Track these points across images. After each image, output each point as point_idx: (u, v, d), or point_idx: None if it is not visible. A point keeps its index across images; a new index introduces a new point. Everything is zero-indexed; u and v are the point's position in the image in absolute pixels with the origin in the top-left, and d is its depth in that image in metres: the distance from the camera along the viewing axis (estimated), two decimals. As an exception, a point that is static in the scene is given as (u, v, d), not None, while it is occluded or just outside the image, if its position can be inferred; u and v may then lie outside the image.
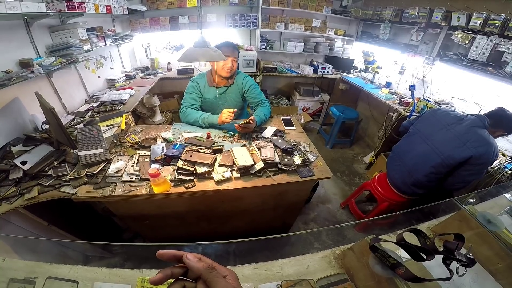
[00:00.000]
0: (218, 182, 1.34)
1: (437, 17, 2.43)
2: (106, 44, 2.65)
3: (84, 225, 1.88)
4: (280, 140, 1.61)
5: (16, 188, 1.30)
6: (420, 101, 2.56)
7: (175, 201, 1.49)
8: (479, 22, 2.05)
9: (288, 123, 1.96)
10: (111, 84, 2.96)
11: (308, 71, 3.80)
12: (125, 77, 3.14)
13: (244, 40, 3.88)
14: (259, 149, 1.51)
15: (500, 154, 1.83)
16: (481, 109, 2.28)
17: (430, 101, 2.63)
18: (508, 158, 1.85)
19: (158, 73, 3.42)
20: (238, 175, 1.39)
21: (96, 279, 0.85)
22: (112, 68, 3.12)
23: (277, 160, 1.43)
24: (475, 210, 0.93)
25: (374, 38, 3.66)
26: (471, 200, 1.27)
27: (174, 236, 1.94)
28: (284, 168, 1.41)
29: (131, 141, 1.66)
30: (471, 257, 0.71)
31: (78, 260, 1.05)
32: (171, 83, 3.62)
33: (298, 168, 1.43)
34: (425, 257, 0.68)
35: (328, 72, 3.81)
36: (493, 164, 1.76)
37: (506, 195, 1.22)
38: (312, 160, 1.52)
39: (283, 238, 1.02)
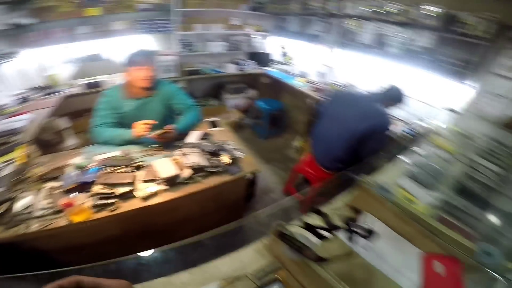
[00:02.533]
0: (145, 198, 1.27)
1: (333, 7, 2.72)
2: None
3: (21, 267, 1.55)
4: (206, 143, 1.60)
5: None
6: (332, 86, 2.88)
7: (105, 225, 1.35)
8: (368, 10, 2.41)
9: (213, 124, 1.97)
10: (-1, 112, 2.44)
11: (231, 69, 3.87)
12: (17, 101, 2.62)
13: (162, 44, 3.67)
14: (184, 155, 1.48)
15: (398, 122, 2.22)
16: (377, 87, 2.70)
17: (338, 84, 2.97)
18: (406, 124, 2.27)
19: (61, 91, 2.95)
20: (166, 187, 1.34)
21: None
22: (-2, 92, 2.57)
23: (203, 163, 1.43)
24: (373, 181, 1.00)
25: (286, 31, 3.91)
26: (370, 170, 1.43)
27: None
28: (213, 170, 1.42)
29: (38, 174, 1.44)
30: (368, 227, 0.78)
31: None
32: (80, 100, 3.14)
33: (226, 168, 1.46)
34: (327, 235, 0.75)
35: (248, 67, 3.94)
36: (396, 131, 2.10)
37: (402, 157, 1.43)
38: (241, 156, 1.56)
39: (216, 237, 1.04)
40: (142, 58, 1.67)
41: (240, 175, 1.46)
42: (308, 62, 3.63)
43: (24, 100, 2.68)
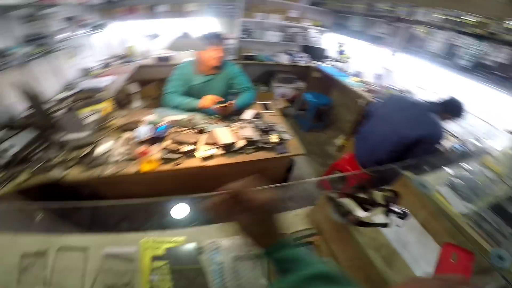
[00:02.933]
0: (203, 159, 1.47)
1: (403, 11, 2.64)
2: (81, 34, 2.62)
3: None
4: (258, 122, 1.76)
5: (4, 173, 1.30)
6: (386, 89, 2.82)
7: (162, 180, 1.58)
8: (440, 18, 2.29)
9: (266, 107, 2.12)
10: (87, 72, 2.91)
11: (284, 59, 3.97)
12: (102, 65, 3.10)
13: (225, 28, 3.90)
14: (240, 129, 1.65)
15: (451, 137, 2.14)
16: (436, 97, 2.58)
17: (394, 89, 2.90)
18: (458, 141, 2.17)
19: (135, 61, 3.39)
20: (222, 152, 1.53)
21: (105, 244, 0.89)
22: (88, 57, 3.05)
23: (256, 138, 1.59)
24: (412, 175, 1.07)
25: (347, 30, 3.84)
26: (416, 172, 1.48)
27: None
28: (262, 146, 1.57)
29: (117, 124, 1.72)
30: (404, 210, 0.88)
31: (86, 228, 1.08)
32: (150, 70, 3.59)
33: (275, 146, 1.61)
34: (369, 207, 0.86)
35: (303, 60, 4.00)
36: (446, 146, 2.04)
37: (447, 169, 1.45)
38: (287, 139, 1.69)
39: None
40: (216, 39, 1.88)
41: (285, 155, 1.59)
42: (365, 62, 3.56)
43: (106, 65, 3.15)
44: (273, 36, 3.97)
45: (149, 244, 0.89)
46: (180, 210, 1.16)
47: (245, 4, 3.58)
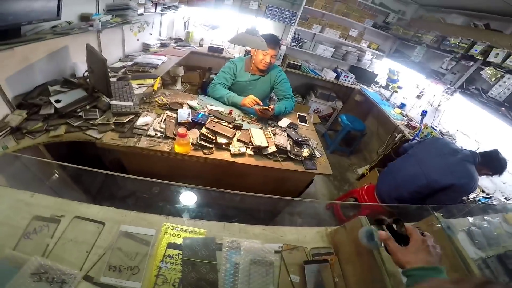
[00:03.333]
0: (234, 155, 1.52)
1: (476, 50, 2.44)
2: (155, 11, 2.81)
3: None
4: (293, 132, 1.79)
5: (43, 124, 1.34)
6: (427, 128, 2.70)
7: (189, 165, 1.63)
8: None
9: (302, 119, 2.14)
10: (146, 48, 3.11)
11: (330, 76, 3.93)
12: (159, 44, 3.30)
13: (277, 33, 3.96)
14: (274, 135, 1.69)
15: (478, 189, 2.02)
16: (479, 147, 2.44)
17: (436, 129, 2.77)
18: (485, 194, 2.04)
19: (190, 46, 3.57)
20: (252, 153, 1.57)
21: (123, 221, 0.87)
22: (151, 34, 3.26)
23: (288, 148, 1.61)
24: (440, 217, 1.11)
25: (405, 58, 3.69)
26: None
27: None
28: (293, 157, 1.59)
29: (160, 102, 1.81)
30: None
31: (107, 200, 1.10)
32: (198, 58, 3.74)
33: (304, 160, 1.62)
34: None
35: (349, 81, 3.93)
36: (470, 196, 1.95)
37: (469, 218, 1.44)
38: (318, 156, 1.70)
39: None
40: (271, 44, 1.88)
41: (312, 172, 1.60)
42: (414, 96, 3.42)
43: (164, 45, 3.34)
44: (325, 51, 3.94)
45: (169, 230, 0.88)
46: (207, 200, 1.18)
47: (303, 13, 3.61)
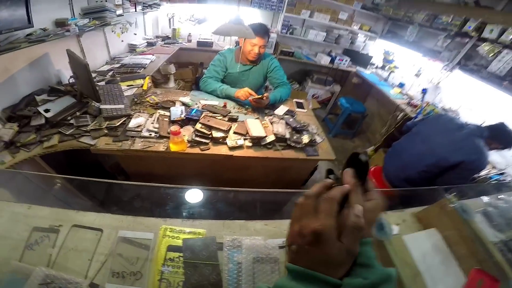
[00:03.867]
0: (231, 148, 1.46)
1: (470, 27, 2.44)
2: (135, 11, 2.74)
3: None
4: (291, 119, 1.72)
5: (36, 135, 1.34)
6: (429, 105, 2.64)
7: (186, 162, 1.60)
8: (511, 37, 2.07)
9: (300, 105, 2.07)
10: (132, 49, 3.04)
11: (324, 60, 3.85)
12: (146, 44, 3.22)
13: (266, 21, 3.87)
14: (271, 124, 1.63)
15: (490, 166, 1.94)
16: (484, 121, 2.36)
17: (438, 106, 2.70)
18: (497, 170, 1.97)
19: (178, 43, 3.48)
20: (250, 144, 1.51)
21: (121, 227, 0.86)
22: (135, 34, 3.18)
23: (287, 136, 1.55)
24: (455, 199, 1.05)
25: (399, 38, 3.66)
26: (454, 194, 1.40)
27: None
28: (293, 145, 1.53)
29: (151, 102, 1.75)
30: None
31: (103, 207, 1.08)
32: (188, 54, 3.67)
33: (305, 147, 1.56)
34: None
35: (344, 64, 3.86)
36: (481, 173, 1.88)
37: (484, 198, 1.36)
38: (319, 141, 1.64)
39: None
40: (259, 33, 1.81)
41: (315, 158, 1.54)
42: (412, 74, 3.35)
43: (151, 44, 3.26)
44: (316, 35, 3.85)
45: (167, 232, 0.85)
46: (204, 199, 1.14)
47: (293, -1, 3.49)
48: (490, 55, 2.26)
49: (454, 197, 1.08)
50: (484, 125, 1.79)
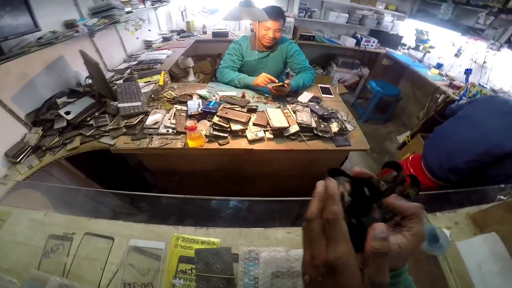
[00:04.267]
0: (251, 141, 1.35)
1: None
2: (145, 7, 2.70)
3: (116, 179, 1.99)
4: (317, 107, 1.56)
5: (59, 138, 1.38)
6: (474, 86, 2.33)
7: (207, 157, 1.53)
8: None
9: (326, 91, 1.89)
10: (148, 45, 3.02)
11: (349, 42, 3.58)
12: (161, 39, 3.19)
13: (281, 5, 3.66)
14: (294, 112, 1.48)
15: None
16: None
17: (486, 87, 2.38)
18: None
19: (193, 36, 3.41)
20: (272, 136, 1.39)
21: (132, 235, 0.84)
22: (150, 30, 3.16)
23: (314, 125, 1.40)
24: None
25: (431, 17, 3.31)
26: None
27: (200, 194, 2.02)
28: (320, 134, 1.38)
29: (168, 97, 1.69)
30: None
31: (113, 215, 1.06)
32: (205, 46, 3.60)
33: (334, 136, 1.39)
34: None
35: (372, 46, 3.57)
36: None
37: None
38: (350, 130, 1.46)
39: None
40: (275, 14, 1.68)
41: (346, 148, 1.37)
42: (452, 55, 3.01)
43: (166, 39, 3.22)
44: (337, 17, 3.58)
45: (179, 242, 0.80)
46: (218, 206, 1.05)
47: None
48: None
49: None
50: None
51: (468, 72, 2.57)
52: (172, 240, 0.80)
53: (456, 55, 2.95)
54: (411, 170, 1.98)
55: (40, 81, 1.59)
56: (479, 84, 2.44)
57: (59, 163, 1.39)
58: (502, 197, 1.11)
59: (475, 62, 2.70)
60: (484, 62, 2.59)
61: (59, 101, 1.60)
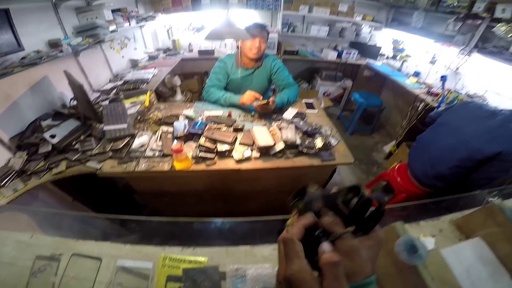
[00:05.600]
0: (238, 161, 1.36)
1: (479, 7, 2.27)
2: (130, 25, 2.71)
3: (105, 202, 1.95)
4: (301, 123, 1.59)
5: (44, 162, 1.35)
6: (451, 93, 2.44)
7: (195, 178, 1.53)
8: None
9: (310, 106, 1.93)
10: (134, 64, 3.03)
11: (331, 55, 3.70)
12: (147, 58, 3.21)
13: (265, 22, 3.74)
14: (280, 130, 1.50)
15: None
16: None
17: (461, 93, 2.49)
18: None
19: (179, 54, 3.46)
20: (258, 155, 1.40)
21: (119, 256, 0.85)
22: (136, 49, 3.17)
23: (298, 142, 1.42)
24: (504, 205, 0.89)
25: (405, 26, 3.48)
26: (500, 194, 1.22)
27: (191, 215, 1.99)
28: (305, 151, 1.40)
29: (154, 118, 1.68)
30: None
31: (102, 237, 1.07)
32: (192, 64, 3.65)
33: (319, 152, 1.42)
34: None
35: (353, 57, 3.69)
36: None
37: None
38: (334, 144, 1.50)
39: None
40: (256, 29, 1.75)
41: (331, 163, 1.40)
42: (427, 62, 3.14)
43: (151, 57, 3.24)
44: (319, 31, 3.72)
45: (166, 262, 0.82)
46: (205, 226, 1.05)
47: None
48: (508, 36, 2.06)
49: (502, 202, 0.91)
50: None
51: (443, 78, 2.67)
52: (160, 260, 0.82)
53: (432, 62, 3.07)
54: (398, 179, 2.03)
55: (24, 103, 1.56)
56: (455, 90, 2.55)
57: (44, 187, 1.37)
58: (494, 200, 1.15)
59: (449, 68, 2.81)
60: (457, 68, 2.71)
61: (43, 123, 1.58)
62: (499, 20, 2.15)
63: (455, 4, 2.49)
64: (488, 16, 2.25)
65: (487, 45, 2.39)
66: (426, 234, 1.00)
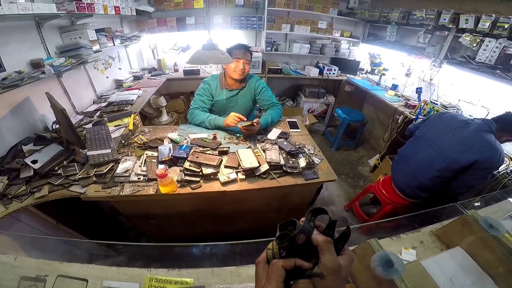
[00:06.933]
0: (224, 183, 1.36)
1: (444, 19, 2.39)
2: (114, 45, 2.69)
3: (90, 224, 1.90)
4: (285, 143, 1.62)
5: (26, 187, 1.33)
6: (427, 104, 2.54)
7: (181, 201, 1.52)
8: (487, 24, 2.01)
9: (293, 125, 1.98)
10: (119, 85, 3.00)
11: (313, 72, 3.81)
12: (132, 78, 3.19)
13: (249, 41, 3.90)
14: (264, 151, 1.53)
15: (506, 159, 1.80)
16: (488, 113, 2.25)
17: (436, 104, 2.60)
18: None
19: (165, 74, 3.47)
20: (243, 176, 1.41)
21: (105, 277, 0.86)
22: (120, 69, 3.16)
23: (282, 162, 1.45)
24: (478, 214, 0.94)
25: (381, 40, 3.62)
26: (476, 205, 1.27)
27: (179, 235, 1.97)
28: (289, 171, 1.42)
29: (139, 142, 1.68)
30: None
31: (87, 259, 1.06)
32: (177, 84, 3.67)
33: (303, 171, 1.45)
34: None
35: (334, 73, 3.81)
36: (499, 169, 1.74)
37: (511, 199, 1.22)
38: (317, 162, 1.53)
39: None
40: (240, 51, 1.81)
41: (315, 181, 1.42)
42: (403, 75, 3.27)
43: (136, 77, 3.23)
44: (301, 48, 3.85)
45: (153, 283, 0.83)
46: (192, 249, 1.06)
47: (269, 16, 3.54)
48: (473, 45, 2.19)
49: (475, 213, 0.95)
50: (488, 117, 1.67)
51: (419, 90, 2.78)
52: (146, 281, 0.83)
53: (407, 75, 3.18)
54: (383, 191, 2.07)
55: (4, 126, 1.53)
56: (431, 101, 2.65)
57: (27, 209, 1.33)
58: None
59: (424, 80, 2.92)
60: (431, 79, 2.82)
61: (25, 148, 1.55)
62: (464, 30, 2.28)
63: (423, 16, 2.62)
64: (454, 27, 2.38)
65: (456, 55, 2.51)
66: (407, 247, 1.02)
